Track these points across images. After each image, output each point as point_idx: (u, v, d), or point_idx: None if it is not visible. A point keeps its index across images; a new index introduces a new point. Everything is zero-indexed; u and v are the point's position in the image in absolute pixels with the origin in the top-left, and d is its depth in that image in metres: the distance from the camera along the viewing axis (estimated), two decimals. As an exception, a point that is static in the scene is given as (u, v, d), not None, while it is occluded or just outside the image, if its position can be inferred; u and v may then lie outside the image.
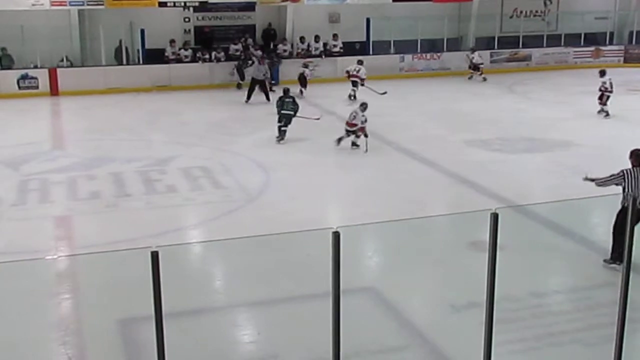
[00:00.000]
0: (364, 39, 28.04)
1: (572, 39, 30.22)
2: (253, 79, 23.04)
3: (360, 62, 23.39)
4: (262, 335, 8.24)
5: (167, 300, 5.06)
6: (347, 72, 23.23)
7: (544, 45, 30.17)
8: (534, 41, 30.13)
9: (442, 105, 22.16)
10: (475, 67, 27.19)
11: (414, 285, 9.39)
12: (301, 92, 23.34)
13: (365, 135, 16.27)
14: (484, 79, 26.76)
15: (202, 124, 19.49)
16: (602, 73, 20.17)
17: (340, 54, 26.93)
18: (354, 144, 16.46)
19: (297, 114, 17.61)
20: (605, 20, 31.32)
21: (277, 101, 17.80)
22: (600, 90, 19.96)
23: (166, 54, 25.47)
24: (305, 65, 24.47)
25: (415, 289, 9.34)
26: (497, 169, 14.98)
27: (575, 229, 11.08)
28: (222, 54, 25.75)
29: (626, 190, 9.62)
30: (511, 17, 30.66)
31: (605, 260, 9.60)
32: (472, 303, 8.12)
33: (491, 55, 29.09)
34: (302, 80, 23.99)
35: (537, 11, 31.02)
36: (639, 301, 6.89)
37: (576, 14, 30.48)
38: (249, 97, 22.73)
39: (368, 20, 27.71)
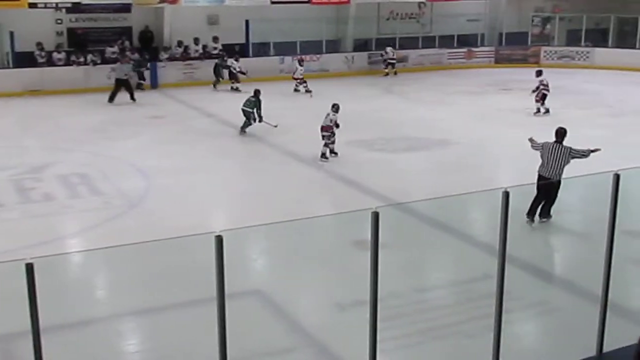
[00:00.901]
0: (244, 40, 27.97)
1: (446, 41, 31.16)
2: (117, 79, 22.90)
3: (300, 62, 24.91)
4: (148, 343, 8.07)
5: (47, 313, 4.88)
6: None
7: (420, 46, 30.98)
8: (410, 43, 30.87)
9: (323, 106, 22.30)
10: (389, 64, 28.58)
11: (300, 286, 9.42)
12: (237, 88, 24.41)
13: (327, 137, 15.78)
14: (395, 73, 28.41)
15: (79, 129, 18.90)
16: (539, 73, 21.08)
17: (219, 56, 26.76)
18: (323, 155, 15.68)
19: (259, 117, 18.05)
20: (476, 22, 32.45)
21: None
22: (537, 89, 20.73)
23: (35, 57, 24.55)
24: (237, 60, 25.19)
25: (301, 289, 9.38)
26: (379, 168, 15.25)
27: (455, 224, 11.41)
28: (99, 56, 25.08)
29: (542, 159, 11.48)
30: (387, 19, 31.29)
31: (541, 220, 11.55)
32: (357, 301, 8.20)
33: (369, 57, 29.60)
34: (232, 76, 24.85)
35: (412, 13, 31.78)
36: (514, 292, 7.17)
37: (449, 17, 31.43)
38: (112, 98, 22.67)
39: (247, 22, 27.65)
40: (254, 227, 10.20)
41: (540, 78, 20.75)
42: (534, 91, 20.73)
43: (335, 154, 15.88)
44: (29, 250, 9.80)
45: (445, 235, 11.28)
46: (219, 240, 5.03)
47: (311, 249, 10.35)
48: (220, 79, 25.46)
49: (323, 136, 15.74)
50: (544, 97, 20.62)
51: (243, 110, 18.19)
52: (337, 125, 15.81)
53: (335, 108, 15.96)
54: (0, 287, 8.27)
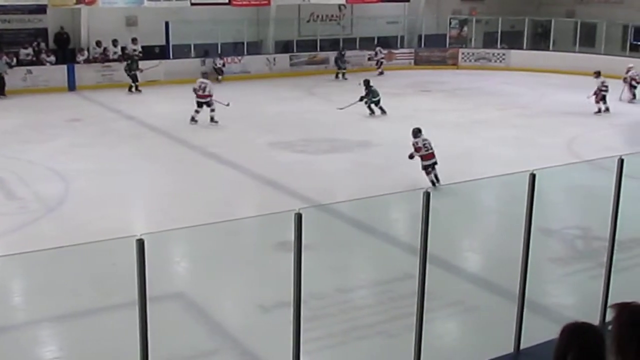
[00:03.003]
0: (164, 42, 27.64)
1: (367, 43, 31.39)
2: None
3: (205, 75, 21.99)
4: (67, 349, 7.91)
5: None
6: (194, 90, 19.69)
7: (341, 48, 31.14)
8: (330, 45, 31.04)
9: (246, 108, 22.28)
10: (379, 63, 29.67)
11: (223, 288, 9.39)
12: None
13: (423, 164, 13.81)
14: (381, 73, 29.06)
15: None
16: (597, 74, 21.67)
17: (140, 58, 26.37)
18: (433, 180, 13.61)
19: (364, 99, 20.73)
20: (396, 24, 32.83)
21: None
22: (597, 91, 21.33)
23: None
24: (220, 57, 27.24)
25: (225, 291, 9.35)
26: (302, 169, 15.29)
27: (377, 225, 11.53)
28: (14, 59, 24.37)
29: None
30: (308, 21, 31.37)
31: None
32: (281, 302, 8.20)
33: (290, 59, 29.65)
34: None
35: (332, 16, 31.93)
36: (435, 292, 7.30)
37: (369, 19, 31.71)
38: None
39: (167, 24, 27.32)
40: (176, 230, 10.11)
41: (600, 79, 21.50)
42: (594, 94, 21.38)
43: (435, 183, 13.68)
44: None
45: (367, 236, 11.40)
46: (140, 243, 4.98)
47: (234, 250, 10.32)
48: (342, 71, 28.47)
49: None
50: (603, 97, 21.45)
51: (372, 102, 20.85)
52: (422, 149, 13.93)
53: (416, 131, 14.20)
54: None
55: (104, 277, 9.15)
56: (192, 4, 27.16)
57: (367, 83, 21.20)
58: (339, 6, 31.53)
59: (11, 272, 9.99)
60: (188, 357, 7.61)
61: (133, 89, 24.56)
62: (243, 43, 29.07)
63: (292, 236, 5.55)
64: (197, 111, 19.45)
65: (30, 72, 24.17)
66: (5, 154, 16.18)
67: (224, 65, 27.50)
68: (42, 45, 25.55)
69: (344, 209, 12.08)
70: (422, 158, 13.85)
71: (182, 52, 27.54)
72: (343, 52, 29.16)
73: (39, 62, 24.74)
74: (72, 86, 24.84)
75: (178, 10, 27.01)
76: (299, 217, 5.50)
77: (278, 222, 10.43)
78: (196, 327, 8.34)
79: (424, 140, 13.95)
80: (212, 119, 19.48)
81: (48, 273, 9.10)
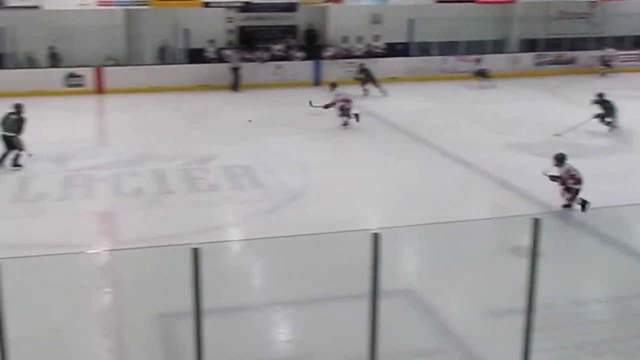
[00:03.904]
0: (406, 39, 27.95)
1: (619, 42, 29.69)
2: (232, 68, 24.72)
3: (334, 85, 20.33)
4: (299, 334, 8.29)
5: (205, 297, 5.12)
6: (337, 98, 19.26)
7: (590, 47, 29.71)
8: (579, 43, 29.71)
9: (485, 108, 21.99)
10: (606, 64, 28.44)
11: (452, 289, 9.35)
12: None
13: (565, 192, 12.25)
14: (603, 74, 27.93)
15: (243, 123, 19.58)
16: None
17: (383, 55, 26.89)
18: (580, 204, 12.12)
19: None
20: (652, 22, 30.77)
21: None
22: None
23: (206, 53, 25.70)
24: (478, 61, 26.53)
25: (453, 292, 9.31)
26: (538, 172, 14.79)
27: (618, 236, 10.94)
28: (267, 54, 25.91)
29: None
30: (556, 19, 30.28)
31: None
32: (511, 309, 8.03)
33: (536, 58, 28.78)
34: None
35: (582, 13, 30.58)
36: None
37: (622, 16, 29.97)
38: (235, 87, 24.64)
39: (411, 21, 27.60)
40: (409, 227, 10.23)
41: None
42: None
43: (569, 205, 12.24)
44: (193, 236, 10.32)
45: (606, 247, 10.84)
46: (376, 237, 5.11)
47: (465, 251, 10.24)
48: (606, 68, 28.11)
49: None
50: None
51: None
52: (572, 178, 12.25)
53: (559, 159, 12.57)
54: (166, 268, 8.79)
55: (337, 268, 9.46)
56: (437, 2, 27.23)
57: (599, 96, 18.32)
58: (590, 3, 30.13)
59: (252, 256, 10.66)
60: (413, 353, 7.68)
61: (378, 92, 24.26)
62: (484, 41, 28.59)
63: (524, 241, 5.44)
64: (348, 116, 18.96)
65: (279, 67, 25.55)
66: (254, 144, 17.22)
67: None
68: (292, 41, 26.91)
69: (581, 216, 11.57)
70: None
71: (423, 49, 27.70)
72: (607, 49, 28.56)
73: (288, 57, 26.06)
74: (317, 81, 25.88)
75: (422, 8, 27.18)
76: (536, 223, 5.37)
77: (512, 225, 10.23)
78: (422, 325, 8.39)
79: (569, 169, 12.25)
80: (357, 118, 18.91)
81: (285, 259, 9.58)
